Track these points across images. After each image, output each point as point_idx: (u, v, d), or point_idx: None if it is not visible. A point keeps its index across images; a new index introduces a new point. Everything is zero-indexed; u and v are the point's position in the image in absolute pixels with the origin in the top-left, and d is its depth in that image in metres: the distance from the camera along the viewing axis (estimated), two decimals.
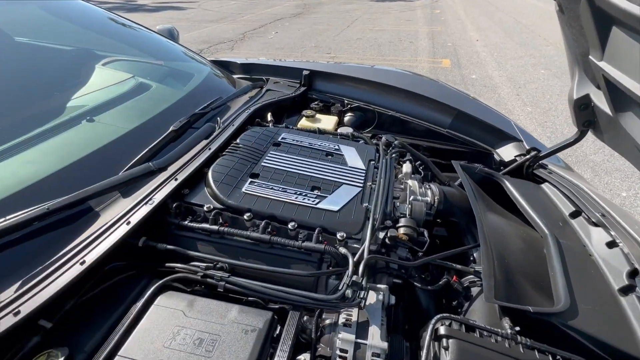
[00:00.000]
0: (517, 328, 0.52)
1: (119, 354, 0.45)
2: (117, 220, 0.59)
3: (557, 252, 0.67)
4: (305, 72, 1.31)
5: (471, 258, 0.75)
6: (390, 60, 4.46)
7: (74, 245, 0.55)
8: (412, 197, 0.75)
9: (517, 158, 1.03)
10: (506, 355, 0.48)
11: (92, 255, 0.53)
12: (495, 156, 1.09)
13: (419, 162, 0.98)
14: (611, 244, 0.70)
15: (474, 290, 0.65)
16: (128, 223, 0.58)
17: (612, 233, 0.72)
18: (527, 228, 0.79)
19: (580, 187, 0.87)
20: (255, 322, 0.50)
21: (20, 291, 0.48)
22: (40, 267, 0.52)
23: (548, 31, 5.92)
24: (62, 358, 0.45)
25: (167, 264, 0.59)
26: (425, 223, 0.74)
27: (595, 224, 0.76)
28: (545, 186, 0.93)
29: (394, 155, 0.89)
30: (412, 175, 0.85)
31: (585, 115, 0.81)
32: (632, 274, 0.62)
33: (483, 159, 1.12)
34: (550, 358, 0.48)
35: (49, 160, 0.70)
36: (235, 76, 1.42)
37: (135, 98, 0.99)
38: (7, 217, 0.54)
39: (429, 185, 0.82)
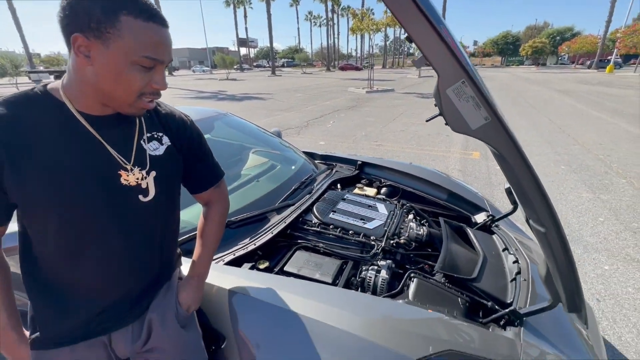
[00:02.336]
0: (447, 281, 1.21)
1: (286, 265, 1.25)
2: (280, 222, 1.43)
3: (483, 259, 1.35)
4: (359, 162, 2.21)
5: None
6: (427, 151, 5.37)
7: (267, 227, 1.40)
8: (410, 229, 1.50)
9: (483, 221, 1.73)
10: (439, 288, 1.17)
11: (274, 231, 1.36)
12: (472, 219, 1.79)
13: (422, 219, 1.73)
14: (514, 262, 1.36)
15: (437, 276, 1.34)
16: (285, 222, 1.42)
17: (517, 257, 1.38)
18: (473, 253, 1.46)
19: (512, 238, 1.54)
20: (337, 262, 1.27)
21: (253, 239, 1.32)
22: (255, 233, 1.37)
23: (579, 132, 6.52)
24: (267, 263, 1.26)
25: (298, 240, 1.40)
26: (419, 245, 1.47)
27: (510, 253, 1.42)
28: (494, 236, 1.60)
29: (404, 211, 1.67)
30: (413, 221, 1.61)
31: (512, 198, 1.53)
32: (516, 269, 1.28)
33: (465, 220, 1.82)
34: (462, 293, 1.16)
35: (247, 196, 1.61)
36: (316, 161, 2.37)
37: (271, 172, 1.94)
38: (242, 216, 1.42)
39: (422, 227, 1.56)
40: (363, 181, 2.12)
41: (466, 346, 0.88)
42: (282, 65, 68.62)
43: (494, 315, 1.06)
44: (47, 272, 0.71)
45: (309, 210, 1.58)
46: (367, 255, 1.30)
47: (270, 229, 1.38)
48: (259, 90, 17.56)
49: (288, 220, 1.44)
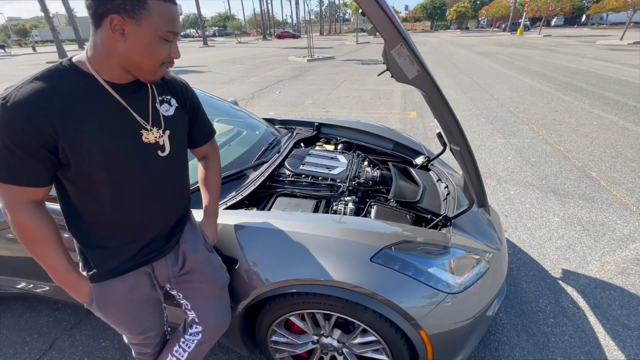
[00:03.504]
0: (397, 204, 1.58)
1: (271, 209, 1.50)
2: (259, 176, 1.65)
3: (423, 188, 1.74)
4: (316, 124, 2.47)
5: None
6: (370, 113, 5.80)
7: (248, 181, 1.61)
8: (367, 172, 1.84)
9: (422, 162, 2.14)
10: (393, 210, 1.53)
11: (256, 183, 1.58)
12: (414, 162, 2.20)
13: (375, 165, 2.08)
14: (445, 187, 1.78)
15: (391, 203, 1.70)
16: (263, 176, 1.65)
17: (447, 184, 1.80)
18: (416, 185, 1.86)
19: (444, 172, 1.97)
20: (313, 202, 1.55)
21: (238, 192, 1.53)
22: (239, 187, 1.57)
23: (495, 89, 7.51)
24: (255, 209, 1.49)
25: (277, 190, 1.65)
26: (375, 184, 1.81)
27: (442, 182, 1.84)
28: (430, 172, 2.03)
29: (360, 159, 2.00)
30: (368, 166, 1.95)
31: (442, 140, 1.94)
32: (447, 192, 1.70)
33: (408, 163, 2.22)
34: (409, 212, 1.53)
35: (224, 159, 1.77)
36: (276, 126, 2.57)
37: (239, 137, 2.11)
38: (225, 173, 1.60)
39: (376, 170, 1.91)
40: (322, 140, 2.39)
41: (414, 238, 1.25)
42: (214, 35, 63.47)
43: (432, 223, 1.46)
44: (95, 221, 0.85)
45: (281, 165, 1.82)
46: (335, 194, 1.60)
47: (252, 182, 1.60)
48: (193, 62, 16.37)
49: (266, 174, 1.66)
